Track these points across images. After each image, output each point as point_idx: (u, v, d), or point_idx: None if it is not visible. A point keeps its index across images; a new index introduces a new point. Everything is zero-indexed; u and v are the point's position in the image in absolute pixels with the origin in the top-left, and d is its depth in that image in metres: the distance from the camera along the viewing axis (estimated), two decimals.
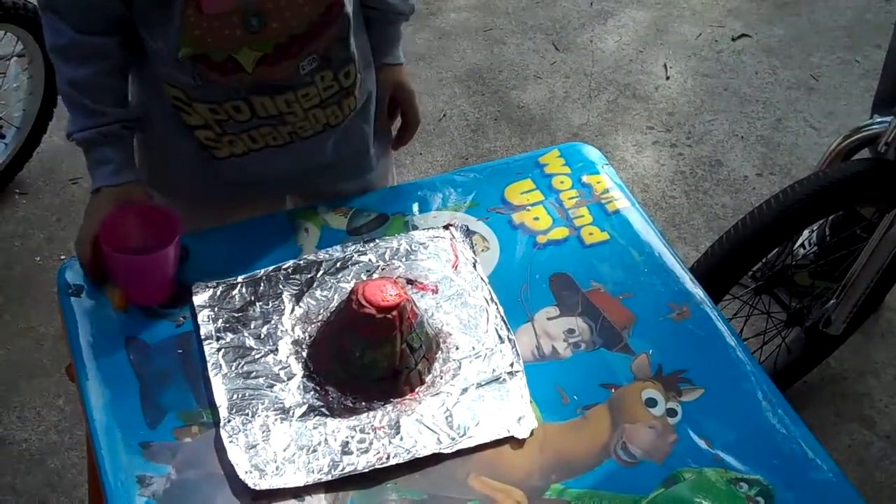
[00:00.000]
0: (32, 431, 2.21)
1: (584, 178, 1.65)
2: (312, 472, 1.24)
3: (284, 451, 1.26)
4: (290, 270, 1.48)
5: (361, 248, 1.52)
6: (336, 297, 1.44)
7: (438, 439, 1.28)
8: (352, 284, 1.43)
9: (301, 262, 1.49)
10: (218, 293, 1.44)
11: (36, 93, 2.63)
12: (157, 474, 1.23)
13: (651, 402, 1.34)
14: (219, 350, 1.37)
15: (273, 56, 1.40)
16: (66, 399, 2.25)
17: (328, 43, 1.44)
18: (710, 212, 2.87)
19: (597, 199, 1.62)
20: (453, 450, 1.27)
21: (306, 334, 1.40)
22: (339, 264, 1.49)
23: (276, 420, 1.29)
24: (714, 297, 2.05)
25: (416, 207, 1.59)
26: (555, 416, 1.33)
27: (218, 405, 1.30)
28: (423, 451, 1.27)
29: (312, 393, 1.33)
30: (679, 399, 1.35)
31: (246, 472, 1.23)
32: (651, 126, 3.13)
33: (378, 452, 1.26)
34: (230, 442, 1.26)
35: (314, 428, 1.29)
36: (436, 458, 1.27)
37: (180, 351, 1.37)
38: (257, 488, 1.21)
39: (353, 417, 1.31)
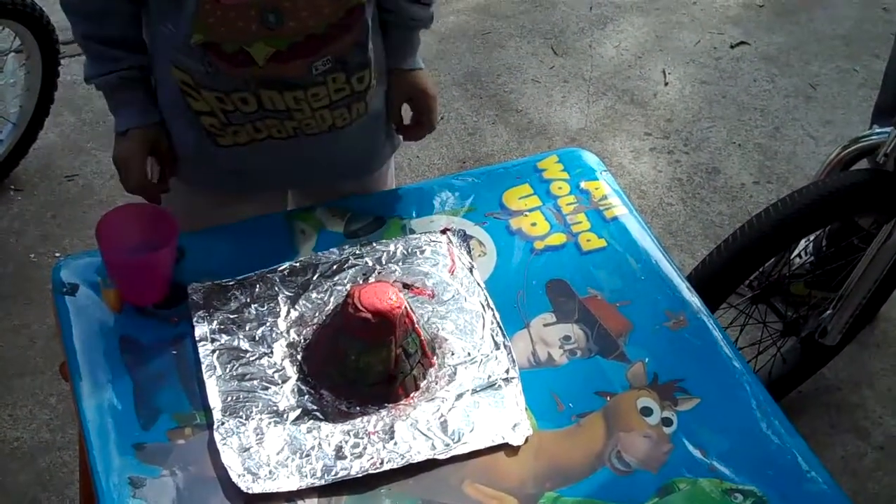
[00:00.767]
0: (24, 430, 2.20)
1: (583, 185, 1.65)
2: (305, 476, 1.23)
3: (278, 454, 1.25)
4: (286, 272, 1.47)
5: (358, 252, 1.51)
6: (332, 300, 1.43)
7: (433, 445, 1.28)
8: (348, 287, 1.43)
9: (297, 264, 1.48)
10: (213, 294, 1.43)
11: (33, 89, 2.62)
12: (149, 476, 1.22)
13: (646, 411, 1.34)
14: (213, 352, 1.36)
15: (286, 54, 1.39)
16: (59, 398, 2.24)
17: (346, 46, 1.43)
18: (706, 219, 2.87)
19: (595, 206, 1.61)
20: (447, 456, 1.27)
21: (301, 337, 1.39)
22: (335, 267, 1.49)
23: (269, 423, 1.28)
24: (710, 305, 2.05)
25: (413, 211, 1.59)
26: (550, 423, 1.32)
27: (212, 407, 1.29)
28: (418, 457, 1.26)
29: (307, 396, 1.32)
30: (675, 408, 1.34)
31: (239, 476, 1.22)
32: (649, 132, 3.13)
33: (372, 457, 1.26)
34: (223, 444, 1.25)
35: (308, 432, 1.28)
36: (430, 464, 1.26)
37: (174, 352, 1.36)
38: (250, 492, 1.21)
39: (348, 422, 1.30)
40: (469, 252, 1.53)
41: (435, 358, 1.38)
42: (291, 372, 1.35)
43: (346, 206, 1.59)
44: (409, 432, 1.29)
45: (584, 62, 3.37)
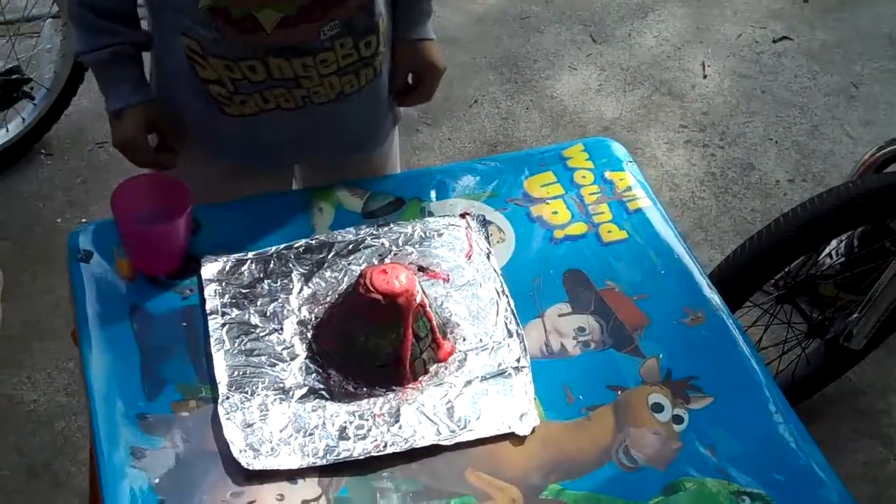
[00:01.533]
0: (42, 393, 2.22)
1: (607, 175, 1.62)
2: (307, 455, 1.22)
3: (281, 432, 1.24)
4: (301, 249, 1.46)
5: (375, 232, 1.50)
6: (346, 279, 1.42)
7: (438, 430, 1.26)
8: (362, 268, 1.41)
9: (313, 241, 1.47)
10: (227, 268, 1.42)
11: (68, 55, 2.62)
12: (150, 447, 1.22)
13: (657, 408, 1.32)
14: (223, 325, 1.35)
15: (295, 18, 1.37)
16: (77, 362, 2.24)
17: (352, 10, 1.42)
18: (738, 215, 2.82)
19: (618, 197, 1.58)
20: (452, 442, 1.25)
21: (312, 315, 1.38)
22: (351, 247, 1.47)
23: (274, 400, 1.28)
24: (734, 302, 2.03)
25: (433, 194, 1.57)
26: (558, 414, 1.30)
27: (218, 381, 1.28)
28: (422, 442, 1.25)
29: (314, 375, 1.31)
30: (686, 406, 1.32)
31: (240, 451, 1.21)
32: (684, 125, 3.08)
33: (375, 440, 1.25)
34: (227, 419, 1.25)
35: (313, 410, 1.27)
36: (433, 450, 1.25)
37: (184, 324, 1.36)
38: (250, 468, 1.20)
39: (353, 403, 1.29)
40: (487, 238, 1.51)
41: (446, 343, 1.36)
42: (300, 350, 1.34)
43: (365, 185, 1.57)
44: (414, 416, 1.28)
45: (622, 51, 3.33)
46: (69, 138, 2.76)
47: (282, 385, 1.29)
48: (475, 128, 3.01)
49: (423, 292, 1.34)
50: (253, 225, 1.49)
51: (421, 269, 1.46)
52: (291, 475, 1.21)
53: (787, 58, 3.36)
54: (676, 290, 1.46)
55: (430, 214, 1.54)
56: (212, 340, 1.33)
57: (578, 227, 1.53)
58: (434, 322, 1.34)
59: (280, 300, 1.39)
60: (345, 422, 1.26)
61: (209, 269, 1.42)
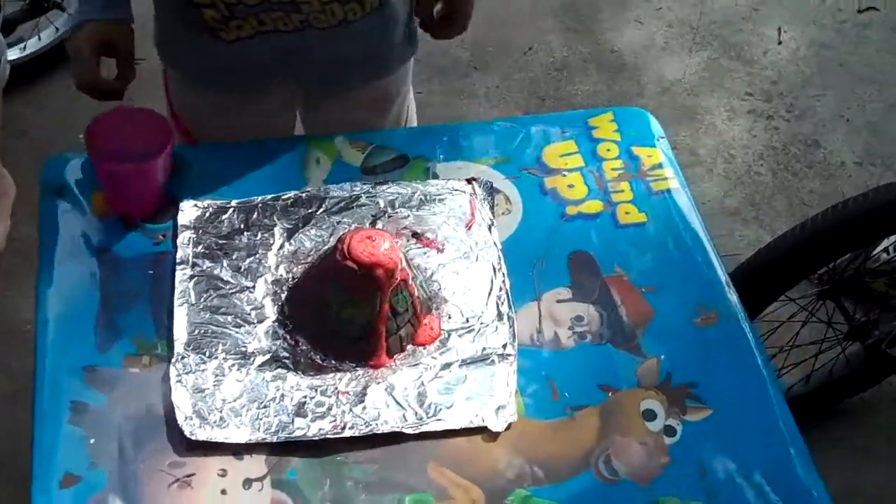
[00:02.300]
0: None
1: (634, 150, 1.48)
2: (258, 429, 1.13)
3: (234, 401, 1.15)
4: (289, 202, 1.36)
5: (371, 191, 1.38)
6: (332, 239, 1.31)
7: (404, 416, 1.16)
8: (352, 228, 1.31)
9: (303, 194, 1.37)
10: (206, 215, 1.33)
11: None
12: (92, 402, 1.14)
13: (649, 415, 1.20)
14: (191, 278, 1.26)
15: None
16: None
17: None
18: (795, 196, 2.65)
19: (643, 175, 1.45)
20: (417, 431, 1.15)
21: (290, 275, 1.28)
22: (342, 204, 1.36)
23: (233, 365, 1.18)
24: (772, 293, 1.89)
25: (441, 153, 1.45)
26: (539, 412, 1.19)
27: (175, 338, 1.19)
28: (384, 427, 1.15)
29: (280, 342, 1.21)
30: (682, 417, 1.19)
31: (186, 418, 1.12)
32: (750, 92, 2.89)
33: (334, 420, 1.15)
34: (177, 381, 1.16)
35: (272, 380, 1.18)
36: (396, 437, 1.15)
37: (151, 272, 1.27)
38: (194, 437, 1.11)
39: (318, 376, 1.19)
40: (492, 207, 1.39)
41: (427, 321, 1.25)
42: (270, 312, 1.24)
43: (368, 138, 1.46)
44: (381, 398, 1.17)
45: (693, 7, 3.13)
46: None
47: (243, 349, 1.20)
48: (526, 77, 2.86)
49: (408, 263, 1.23)
50: (242, 171, 1.39)
51: (415, 234, 1.35)
52: (238, 450, 1.12)
53: (872, 30, 3.13)
54: (691, 285, 1.32)
55: (435, 176, 1.42)
56: (176, 293, 1.24)
57: (594, 205, 1.40)
58: (417, 297, 1.23)
59: (257, 255, 1.30)
60: (304, 397, 1.16)
61: (186, 214, 1.32)
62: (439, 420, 1.16)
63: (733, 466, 1.15)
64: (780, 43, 3.06)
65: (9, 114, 2.17)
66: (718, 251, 1.37)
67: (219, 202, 1.34)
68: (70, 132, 2.49)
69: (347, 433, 1.14)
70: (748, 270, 1.88)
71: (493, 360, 1.22)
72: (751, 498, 1.13)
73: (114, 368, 1.17)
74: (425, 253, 1.33)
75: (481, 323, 1.26)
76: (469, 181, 1.41)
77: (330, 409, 1.16)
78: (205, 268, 1.27)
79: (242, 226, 1.32)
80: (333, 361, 1.21)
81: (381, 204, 1.37)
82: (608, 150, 1.47)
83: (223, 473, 1.10)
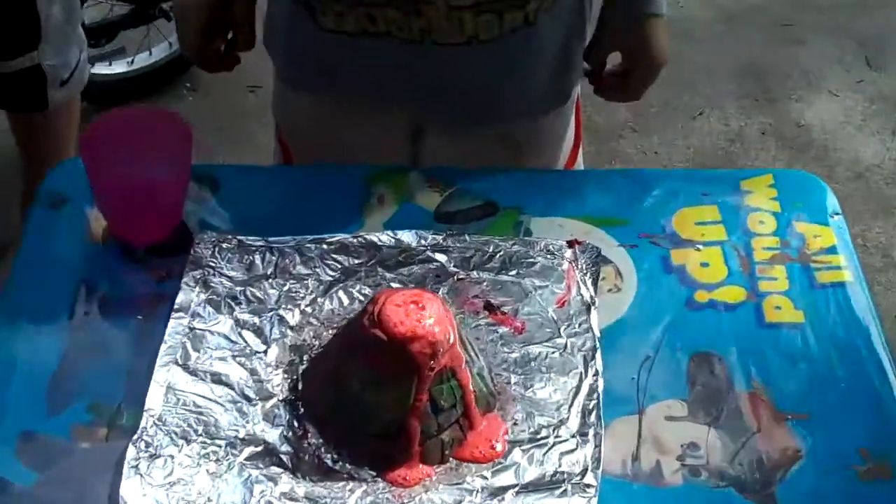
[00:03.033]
0: None
1: (797, 226, 1.12)
2: None
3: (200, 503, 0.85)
4: (333, 247, 1.06)
5: (442, 243, 1.07)
6: None
7: None
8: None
9: (354, 239, 1.07)
10: (224, 253, 1.05)
11: None
12: (18, 482, 0.86)
13: None
14: (189, 330, 0.97)
15: None
16: None
17: None
18: None
19: (806, 260, 1.09)
20: None
21: (317, 341, 0.98)
22: (402, 257, 1.06)
23: (212, 453, 0.88)
24: None
25: (541, 205, 1.13)
26: None
27: (147, 408, 0.91)
28: None
29: (283, 429, 0.91)
30: None
31: None
32: None
33: None
34: (132, 467, 0.86)
35: (258, 482, 0.87)
36: None
37: (140, 317, 0.99)
38: None
39: (321, 484, 0.87)
40: (596, 282, 1.05)
41: (483, 423, 0.92)
42: (279, 388, 0.94)
43: (450, 176, 1.15)
44: None
45: None
46: (219, 76, 2.48)
47: (232, 433, 0.90)
48: (691, 145, 2.53)
49: (465, 342, 0.91)
50: (282, 200, 1.11)
51: (488, 306, 1.02)
52: None
53: None
54: (856, 420, 0.95)
55: (528, 233, 1.10)
56: (163, 347, 0.95)
57: (734, 293, 1.05)
58: (471, 389, 0.91)
59: (279, 311, 1.00)
60: None
61: (201, 248, 1.05)
62: None
63: None
64: None
65: None
66: None
67: (245, 238, 1.06)
68: None
69: None
70: None
71: (565, 491, 0.88)
72: None
73: (59, 438, 0.89)
74: (497, 332, 1.00)
75: (557, 437, 0.92)
76: (571, 244, 1.08)
77: None
78: (208, 320, 0.99)
79: (269, 271, 1.04)
80: (349, 465, 0.89)
81: (451, 262, 1.06)
82: (762, 222, 1.12)
83: None
